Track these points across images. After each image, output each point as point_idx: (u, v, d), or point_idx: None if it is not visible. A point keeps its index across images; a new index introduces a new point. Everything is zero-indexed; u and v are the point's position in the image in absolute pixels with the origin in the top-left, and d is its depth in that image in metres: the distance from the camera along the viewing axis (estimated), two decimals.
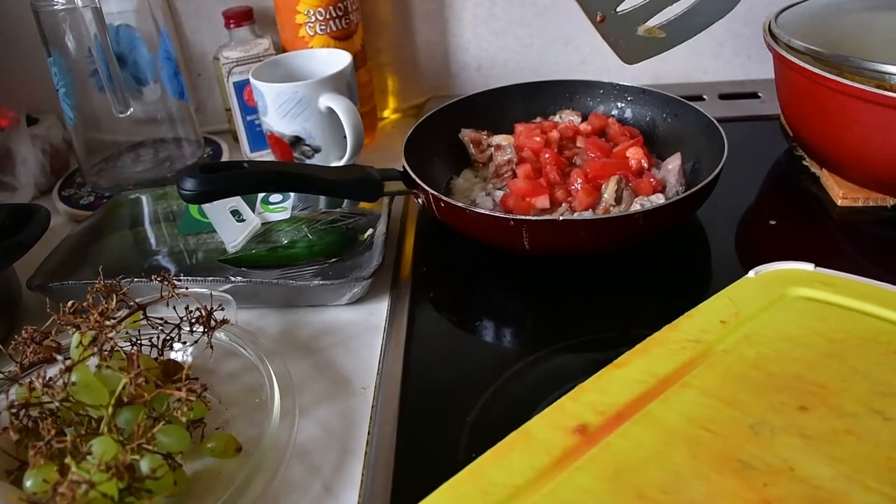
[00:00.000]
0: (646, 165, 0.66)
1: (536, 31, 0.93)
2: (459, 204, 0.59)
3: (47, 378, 0.41)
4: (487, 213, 0.59)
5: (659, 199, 0.63)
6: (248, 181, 0.58)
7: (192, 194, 0.56)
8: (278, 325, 0.59)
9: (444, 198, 0.60)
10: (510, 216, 0.57)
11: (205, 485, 0.44)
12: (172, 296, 0.49)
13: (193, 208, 0.66)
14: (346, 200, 0.68)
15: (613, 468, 0.32)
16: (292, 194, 0.66)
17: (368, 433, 0.48)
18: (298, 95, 0.71)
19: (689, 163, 0.68)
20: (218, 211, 0.64)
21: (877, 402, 0.34)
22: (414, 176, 0.62)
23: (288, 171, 0.62)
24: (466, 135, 0.75)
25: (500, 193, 0.66)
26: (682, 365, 0.38)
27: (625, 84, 0.77)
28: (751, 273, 0.46)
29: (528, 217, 0.56)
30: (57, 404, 0.41)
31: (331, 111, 0.72)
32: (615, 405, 0.36)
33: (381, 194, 0.63)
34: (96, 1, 0.71)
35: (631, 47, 0.61)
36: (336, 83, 0.73)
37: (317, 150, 0.75)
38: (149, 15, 0.79)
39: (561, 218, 0.56)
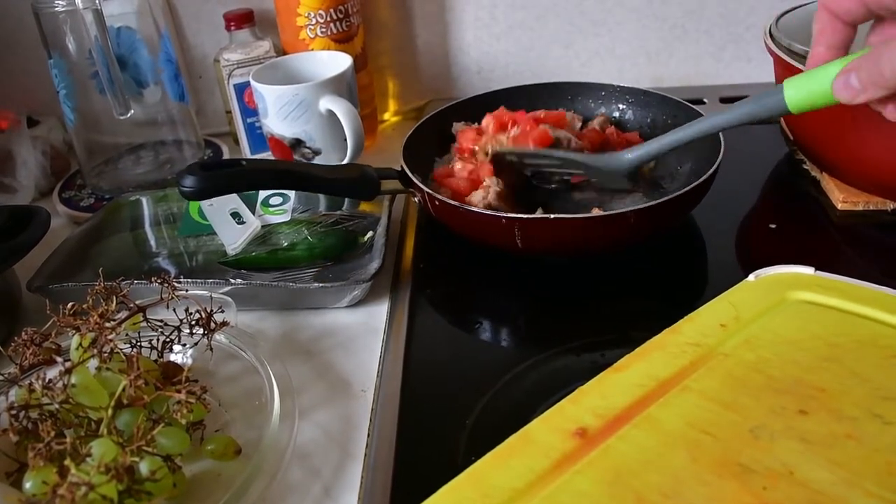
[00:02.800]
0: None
1: (537, 34, 0.93)
2: (453, 202, 0.59)
3: (47, 380, 0.41)
4: (479, 210, 0.59)
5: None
6: (246, 179, 0.60)
7: (192, 191, 0.57)
8: (278, 328, 0.59)
9: (437, 196, 0.60)
10: (502, 214, 0.57)
11: (204, 487, 0.44)
12: (172, 298, 0.49)
13: (194, 210, 0.66)
14: (346, 203, 0.69)
15: (613, 471, 0.32)
16: (292, 197, 0.66)
17: (368, 436, 0.48)
18: (299, 98, 0.71)
19: (688, 165, 0.68)
20: (218, 213, 0.65)
21: (876, 406, 0.33)
22: (410, 174, 0.63)
23: (285, 168, 0.63)
24: (458, 129, 0.75)
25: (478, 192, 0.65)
26: (682, 368, 0.38)
27: (625, 86, 0.77)
28: (751, 277, 0.46)
29: (519, 215, 0.56)
30: (57, 406, 0.41)
31: (331, 114, 0.72)
32: (615, 408, 0.36)
33: (377, 193, 0.64)
34: (97, 3, 0.71)
35: None
36: (337, 86, 0.73)
37: (317, 153, 0.75)
38: (149, 17, 0.79)
39: (552, 217, 0.56)
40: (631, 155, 0.61)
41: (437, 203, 0.60)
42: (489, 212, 0.59)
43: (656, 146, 0.60)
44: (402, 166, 0.65)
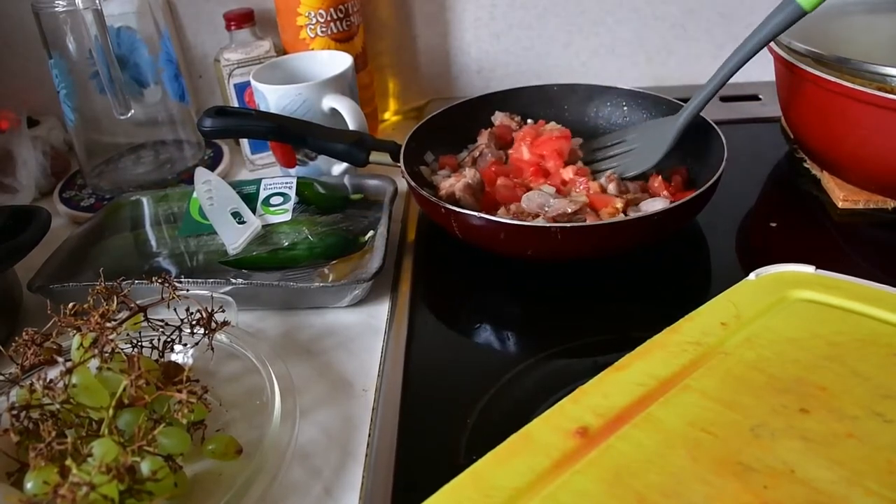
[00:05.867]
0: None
1: (537, 33, 0.93)
2: (413, 183, 0.62)
3: (48, 380, 0.41)
4: (426, 195, 0.60)
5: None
6: (254, 126, 0.69)
7: (209, 130, 0.68)
8: (279, 328, 0.59)
9: (406, 173, 0.64)
10: (442, 203, 0.59)
11: (205, 487, 0.44)
12: (173, 298, 0.49)
13: (194, 210, 0.66)
14: (345, 203, 0.69)
15: (614, 471, 0.32)
16: (293, 197, 0.66)
17: (369, 436, 0.48)
18: (302, 97, 0.71)
19: (688, 167, 0.68)
20: (219, 213, 0.65)
21: (877, 405, 0.33)
22: (402, 153, 0.66)
23: (288, 124, 0.69)
24: (499, 118, 0.76)
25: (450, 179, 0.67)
26: (682, 367, 0.38)
27: (624, 88, 0.77)
28: (751, 275, 0.46)
29: (454, 208, 0.58)
30: (57, 406, 0.41)
31: (334, 112, 0.72)
32: (615, 408, 0.36)
33: (366, 161, 0.69)
34: (97, 3, 0.71)
35: None
36: (338, 85, 0.73)
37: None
38: (150, 17, 0.79)
39: (477, 215, 0.56)
40: (680, 120, 0.65)
41: (405, 180, 0.63)
42: (433, 199, 0.60)
43: (697, 102, 0.64)
44: (404, 145, 0.67)
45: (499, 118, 0.76)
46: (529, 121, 0.76)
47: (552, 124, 0.73)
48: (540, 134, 0.71)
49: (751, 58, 0.61)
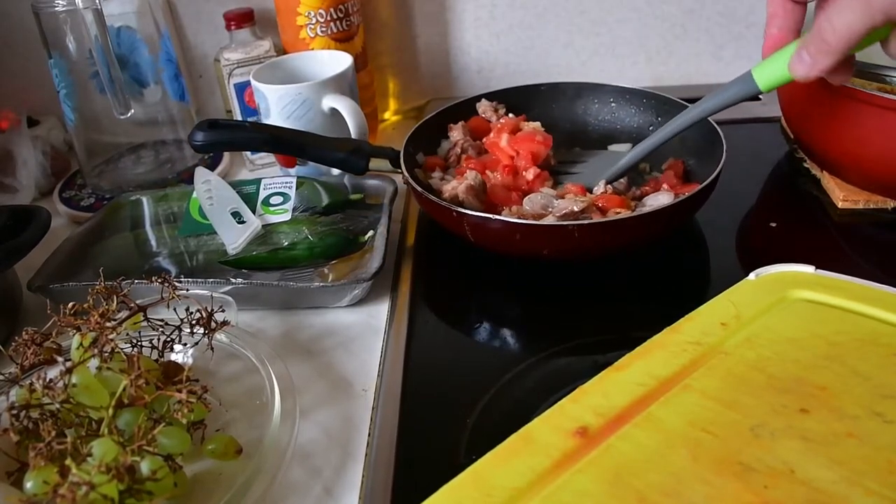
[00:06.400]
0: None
1: (537, 33, 0.93)
2: (418, 188, 0.61)
3: (48, 379, 0.41)
4: (435, 200, 0.60)
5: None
6: (248, 139, 0.67)
7: (200, 145, 0.65)
8: (279, 327, 0.59)
9: (410, 179, 0.63)
10: (454, 207, 0.58)
11: (205, 487, 0.44)
12: (173, 297, 0.50)
13: (194, 210, 0.66)
14: (345, 203, 0.69)
15: (614, 471, 0.32)
16: (293, 196, 0.66)
17: (369, 435, 0.48)
18: (302, 97, 0.71)
19: (684, 160, 0.68)
20: (219, 212, 0.65)
21: (877, 405, 0.33)
22: (402, 159, 0.66)
23: (283, 135, 0.67)
24: (483, 105, 0.76)
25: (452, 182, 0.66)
26: (682, 367, 0.38)
27: (624, 86, 0.77)
28: (751, 275, 0.46)
29: (466, 211, 0.57)
30: (57, 406, 0.41)
31: (334, 112, 0.72)
32: (616, 407, 0.36)
33: (365, 169, 0.67)
34: (97, 2, 0.71)
35: None
36: (338, 85, 0.73)
37: None
38: (150, 17, 0.79)
39: (494, 217, 0.56)
40: (620, 162, 0.66)
41: (410, 187, 0.63)
42: (444, 203, 0.59)
43: (638, 150, 0.65)
44: (402, 150, 0.67)
45: (483, 105, 0.76)
46: (511, 115, 0.76)
47: (536, 124, 0.73)
48: (519, 128, 0.71)
49: (699, 120, 0.60)
